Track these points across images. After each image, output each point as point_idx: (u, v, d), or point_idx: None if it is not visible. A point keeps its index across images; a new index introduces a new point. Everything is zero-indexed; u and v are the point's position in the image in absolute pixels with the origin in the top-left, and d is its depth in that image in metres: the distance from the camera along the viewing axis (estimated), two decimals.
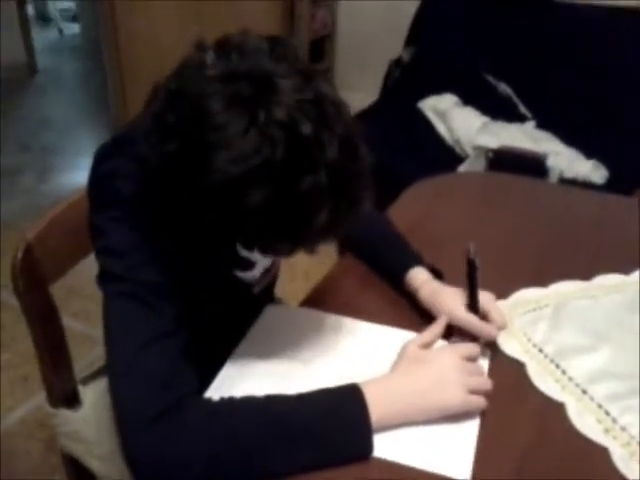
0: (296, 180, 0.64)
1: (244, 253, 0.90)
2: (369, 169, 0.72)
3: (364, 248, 1.09)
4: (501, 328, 0.90)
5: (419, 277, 0.97)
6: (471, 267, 0.90)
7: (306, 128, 0.64)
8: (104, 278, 0.77)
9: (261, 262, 0.97)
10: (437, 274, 0.99)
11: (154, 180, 0.72)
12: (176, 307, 0.76)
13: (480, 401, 0.78)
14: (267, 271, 1.00)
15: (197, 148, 0.65)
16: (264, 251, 0.79)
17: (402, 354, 0.83)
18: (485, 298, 0.91)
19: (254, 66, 0.67)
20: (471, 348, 0.84)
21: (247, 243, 0.78)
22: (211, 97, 0.64)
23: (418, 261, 1.00)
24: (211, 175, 0.64)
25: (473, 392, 0.78)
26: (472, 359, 0.83)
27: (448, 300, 0.92)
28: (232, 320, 0.95)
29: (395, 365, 0.82)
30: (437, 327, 0.88)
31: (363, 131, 0.71)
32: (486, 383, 0.80)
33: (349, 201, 0.70)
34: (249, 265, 0.94)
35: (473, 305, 0.90)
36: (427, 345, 0.85)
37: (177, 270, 0.77)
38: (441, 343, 0.88)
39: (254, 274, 0.97)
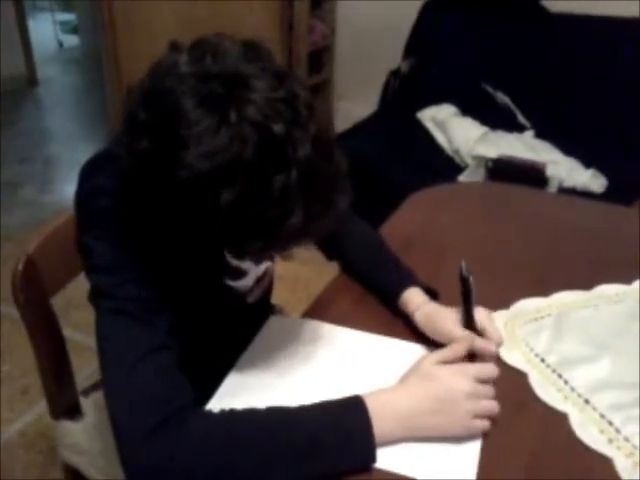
0: (267, 178, 0.64)
1: (234, 262, 0.90)
2: (344, 172, 0.72)
3: (357, 268, 1.07)
4: (498, 345, 0.88)
5: (413, 300, 0.95)
6: (465, 284, 0.87)
7: (278, 127, 0.64)
8: (95, 296, 0.77)
9: (253, 271, 0.96)
10: (431, 293, 0.97)
11: (129, 182, 0.71)
12: (168, 320, 0.75)
13: (483, 425, 0.76)
14: (260, 280, 1.00)
15: (168, 144, 0.64)
16: (235, 253, 0.77)
17: (415, 368, 0.80)
18: (481, 315, 0.89)
19: (227, 66, 0.67)
20: (486, 369, 0.81)
21: (223, 245, 0.76)
22: (183, 94, 0.64)
23: (412, 281, 0.98)
24: (181, 171, 0.63)
25: (478, 416, 0.76)
26: (486, 380, 0.80)
27: (444, 322, 0.89)
28: (228, 330, 0.95)
29: (404, 378, 0.80)
30: (459, 347, 0.83)
31: (335, 136, 0.71)
32: (493, 408, 0.77)
33: (322, 202, 0.69)
34: (240, 274, 0.94)
35: (469, 322, 0.88)
36: (445, 363, 0.81)
37: (166, 283, 0.76)
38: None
39: (246, 283, 0.96)
